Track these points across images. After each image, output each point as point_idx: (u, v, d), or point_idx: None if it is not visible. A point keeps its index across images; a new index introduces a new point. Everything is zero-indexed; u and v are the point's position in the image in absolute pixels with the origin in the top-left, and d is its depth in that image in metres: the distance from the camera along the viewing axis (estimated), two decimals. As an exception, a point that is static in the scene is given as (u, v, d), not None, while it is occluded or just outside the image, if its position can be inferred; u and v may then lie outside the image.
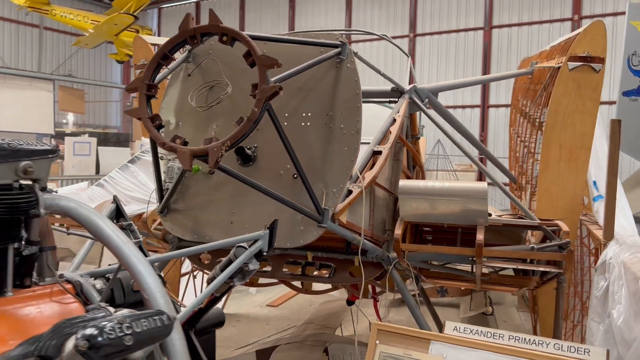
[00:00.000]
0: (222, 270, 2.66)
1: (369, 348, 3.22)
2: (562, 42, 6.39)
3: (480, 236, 3.49)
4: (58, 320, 2.12)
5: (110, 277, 2.51)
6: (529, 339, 2.82)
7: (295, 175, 3.56)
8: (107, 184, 4.93)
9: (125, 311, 1.72)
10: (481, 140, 18.86)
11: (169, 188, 3.66)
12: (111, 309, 1.83)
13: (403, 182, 3.76)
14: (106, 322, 1.59)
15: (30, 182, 2.04)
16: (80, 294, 2.28)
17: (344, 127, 3.52)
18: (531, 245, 3.53)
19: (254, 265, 2.65)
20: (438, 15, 19.18)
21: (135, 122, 16.38)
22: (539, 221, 3.81)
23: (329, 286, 5.97)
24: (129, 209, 4.53)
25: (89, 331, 1.55)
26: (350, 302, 5.51)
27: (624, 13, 16.97)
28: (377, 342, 3.19)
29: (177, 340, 1.93)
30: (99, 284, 2.45)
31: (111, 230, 2.06)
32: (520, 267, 3.68)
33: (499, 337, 2.90)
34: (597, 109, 5.34)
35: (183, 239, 3.72)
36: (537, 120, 7.28)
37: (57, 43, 27.11)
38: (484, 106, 18.78)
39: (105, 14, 19.68)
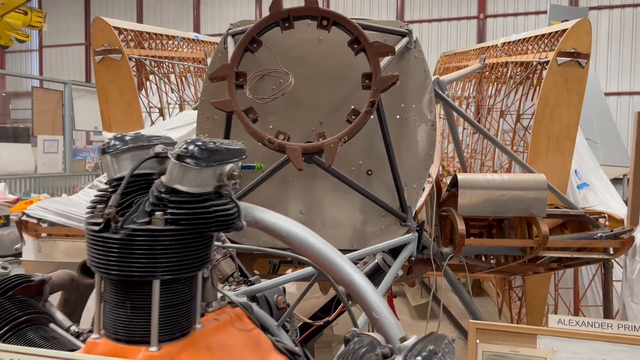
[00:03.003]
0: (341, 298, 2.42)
1: (469, 348, 3.13)
2: (531, 37, 6.72)
3: (545, 227, 3.53)
4: (250, 350, 1.79)
5: (258, 296, 2.18)
6: (639, 327, 2.90)
7: (370, 172, 3.36)
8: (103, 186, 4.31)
9: (413, 338, 1.46)
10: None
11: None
12: (374, 335, 1.56)
13: (462, 176, 3.71)
14: (427, 354, 1.34)
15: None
16: (253, 318, 1.94)
17: (418, 119, 3.37)
18: (599, 234, 3.65)
19: (400, 272, 2.44)
20: (351, 9, 19.41)
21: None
22: (583, 211, 3.95)
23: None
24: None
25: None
26: (358, 300, 5.34)
27: (523, 14, 18.42)
28: (478, 341, 3.10)
29: None
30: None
31: (323, 243, 1.76)
32: (575, 255, 3.80)
33: (608, 326, 2.95)
34: (582, 102, 5.66)
35: (244, 245, 3.35)
36: (501, 108, 7.62)
37: None
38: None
39: (-14, -8, 17.44)
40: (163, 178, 1.53)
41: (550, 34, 6.07)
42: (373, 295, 1.73)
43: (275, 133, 2.68)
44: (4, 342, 1.74)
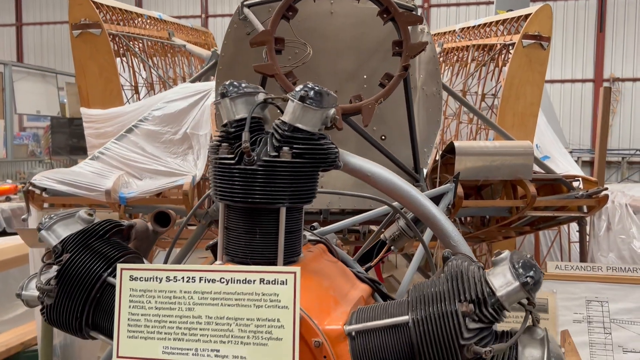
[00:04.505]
0: (409, 226, 2.66)
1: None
2: (492, 22, 7.18)
3: (532, 188, 3.92)
4: (342, 277, 2.00)
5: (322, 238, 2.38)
6: (624, 267, 3.33)
7: (383, 137, 3.61)
8: (106, 157, 4.28)
9: (507, 252, 1.72)
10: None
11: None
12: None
13: (459, 143, 4.03)
14: (526, 260, 1.60)
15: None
16: (335, 253, 2.15)
17: (426, 89, 3.65)
18: (580, 193, 4.08)
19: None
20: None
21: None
22: (560, 175, 4.39)
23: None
24: (157, 183, 4.07)
25: (528, 270, 1.56)
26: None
27: (465, 4, 19.20)
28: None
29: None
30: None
31: (404, 182, 1.98)
32: (556, 214, 4.22)
33: (598, 269, 3.37)
34: (544, 81, 6.17)
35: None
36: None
37: None
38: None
39: None
40: (284, 118, 1.71)
41: (512, 18, 6.53)
42: (450, 226, 1.99)
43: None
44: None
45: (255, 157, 1.63)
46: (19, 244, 5.27)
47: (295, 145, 1.67)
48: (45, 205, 4.15)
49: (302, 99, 1.68)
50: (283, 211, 1.67)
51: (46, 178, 3.96)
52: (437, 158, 4.71)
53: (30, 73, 15.27)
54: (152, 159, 4.28)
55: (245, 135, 1.65)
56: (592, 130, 18.98)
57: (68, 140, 14.19)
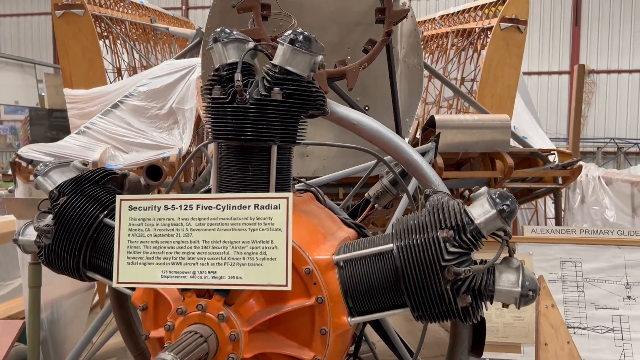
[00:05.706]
0: (392, 184, 2.77)
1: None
2: (471, 8, 7.33)
3: (510, 160, 4.06)
4: (330, 221, 2.10)
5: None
6: (597, 230, 3.49)
7: (367, 107, 3.71)
8: (91, 131, 4.31)
9: (484, 188, 1.83)
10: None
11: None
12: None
13: (439, 117, 4.15)
14: (502, 193, 1.72)
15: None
16: (323, 200, 2.25)
17: (408, 61, 3.76)
18: (556, 164, 4.23)
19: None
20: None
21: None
22: (536, 149, 4.55)
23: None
24: (143, 156, 4.12)
25: (504, 200, 1.67)
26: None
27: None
28: (465, 251, 3.55)
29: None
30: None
31: (387, 130, 2.08)
32: (533, 185, 4.37)
33: (572, 232, 3.51)
34: (521, 64, 6.34)
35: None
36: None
37: None
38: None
39: None
40: (274, 61, 1.79)
41: (490, 3, 6.69)
42: (431, 171, 2.10)
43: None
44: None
45: (248, 97, 1.72)
46: None
47: (285, 86, 1.75)
48: (32, 177, 4.16)
49: (291, 41, 1.76)
50: (274, 149, 1.76)
51: (33, 150, 3.99)
52: (417, 136, 4.84)
53: (9, 63, 15.06)
54: (138, 133, 4.33)
55: (237, 76, 1.73)
56: (568, 121, 19.36)
57: (47, 132, 14.02)
